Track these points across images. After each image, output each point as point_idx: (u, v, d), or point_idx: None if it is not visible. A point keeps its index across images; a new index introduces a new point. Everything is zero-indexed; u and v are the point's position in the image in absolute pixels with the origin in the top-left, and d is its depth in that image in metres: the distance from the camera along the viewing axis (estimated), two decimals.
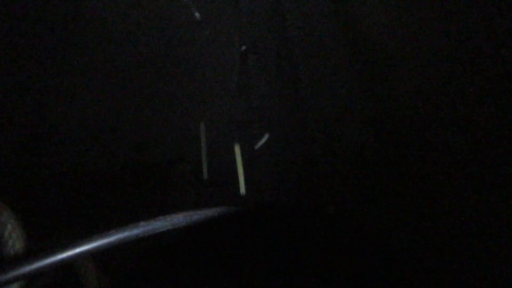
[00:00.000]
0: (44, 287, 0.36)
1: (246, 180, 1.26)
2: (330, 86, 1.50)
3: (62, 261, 0.30)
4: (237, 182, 1.25)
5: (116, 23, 1.58)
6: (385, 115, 1.41)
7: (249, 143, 1.34)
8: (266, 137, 1.16)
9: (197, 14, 1.18)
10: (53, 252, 0.30)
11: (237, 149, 1.06)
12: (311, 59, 1.57)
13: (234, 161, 1.30)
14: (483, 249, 1.09)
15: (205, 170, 1.09)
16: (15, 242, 0.32)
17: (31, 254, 0.30)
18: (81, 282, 0.40)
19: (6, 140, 1.26)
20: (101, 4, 1.62)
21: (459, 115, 1.35)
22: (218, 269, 0.27)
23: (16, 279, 0.29)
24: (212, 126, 1.36)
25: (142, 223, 0.32)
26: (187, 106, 1.40)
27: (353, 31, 1.65)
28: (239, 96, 1.45)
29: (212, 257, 0.28)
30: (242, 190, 1.08)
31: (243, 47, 1.39)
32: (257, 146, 1.09)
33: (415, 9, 1.68)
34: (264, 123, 1.39)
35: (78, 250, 0.30)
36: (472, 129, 1.32)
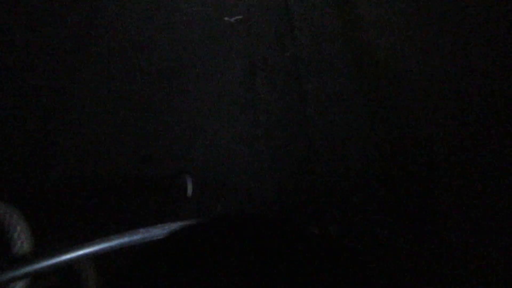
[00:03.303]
0: None
1: (250, 195, 1.28)
2: (337, 106, 1.51)
3: (66, 262, 0.33)
4: (240, 194, 1.27)
5: (128, 36, 1.62)
6: (391, 136, 1.42)
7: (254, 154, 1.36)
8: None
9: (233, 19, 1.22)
10: (58, 253, 0.32)
11: None
12: (319, 78, 1.59)
13: (239, 174, 1.32)
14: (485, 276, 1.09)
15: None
16: (23, 243, 0.35)
17: (37, 254, 0.33)
18: (82, 286, 0.42)
19: (16, 147, 1.29)
20: (115, 17, 1.66)
21: (467, 137, 1.36)
22: (213, 275, 0.29)
23: (24, 276, 0.32)
24: (218, 140, 1.39)
25: (141, 230, 0.35)
26: (193, 119, 1.43)
27: (362, 52, 1.67)
28: (246, 111, 1.48)
29: (206, 263, 0.30)
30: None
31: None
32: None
33: (423, 32, 1.71)
34: (269, 138, 1.41)
35: (81, 252, 0.33)
36: (482, 152, 1.32)
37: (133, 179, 1.28)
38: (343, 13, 1.82)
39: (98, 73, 1.51)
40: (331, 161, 1.38)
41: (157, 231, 0.34)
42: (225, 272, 0.28)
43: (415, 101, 1.51)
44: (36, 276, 0.33)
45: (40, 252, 0.34)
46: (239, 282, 0.28)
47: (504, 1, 1.74)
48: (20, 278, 0.32)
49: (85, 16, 1.66)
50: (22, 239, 0.35)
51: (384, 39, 1.72)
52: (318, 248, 0.30)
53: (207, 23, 1.70)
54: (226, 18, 1.25)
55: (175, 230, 0.34)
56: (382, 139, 1.43)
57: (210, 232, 0.32)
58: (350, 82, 1.60)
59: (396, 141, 1.43)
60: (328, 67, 1.66)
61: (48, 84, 1.46)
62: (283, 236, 0.31)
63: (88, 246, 0.34)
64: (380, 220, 1.24)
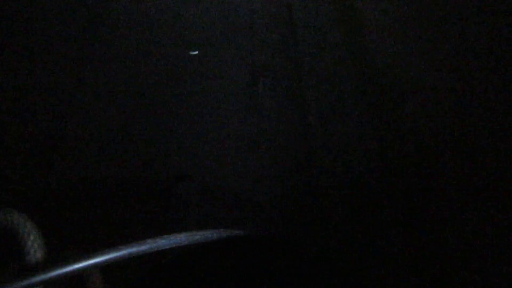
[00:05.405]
0: None
1: (251, 201, 1.29)
2: (338, 113, 1.53)
3: (78, 270, 0.34)
4: (241, 200, 1.28)
5: (132, 40, 1.64)
6: (393, 143, 1.42)
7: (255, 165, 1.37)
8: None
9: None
10: (70, 262, 0.34)
11: None
12: (321, 85, 1.60)
13: (240, 180, 1.33)
14: None
15: None
16: (36, 251, 0.37)
17: (50, 263, 0.35)
18: None
19: (19, 151, 1.31)
20: (119, 21, 1.68)
21: (469, 143, 1.37)
22: (213, 286, 0.31)
23: (37, 284, 0.33)
24: (219, 145, 1.40)
25: (148, 240, 0.36)
26: (195, 124, 1.45)
27: (364, 59, 1.68)
28: (248, 117, 1.49)
29: (208, 275, 0.31)
30: None
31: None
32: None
33: (426, 39, 1.72)
34: (271, 145, 1.42)
35: (92, 261, 0.35)
36: (485, 161, 1.33)
37: (135, 184, 1.29)
38: (346, 20, 1.84)
39: (102, 76, 1.53)
40: (332, 167, 1.39)
41: (164, 242, 0.36)
42: (227, 285, 0.30)
43: (417, 108, 1.52)
44: (48, 284, 0.34)
45: (53, 261, 0.36)
46: None
47: (506, 6, 1.75)
48: (33, 286, 0.33)
49: (89, 20, 1.68)
50: (35, 247, 0.36)
51: (387, 46, 1.73)
52: (316, 267, 0.32)
53: (211, 28, 1.72)
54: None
55: (180, 241, 0.36)
56: (383, 146, 1.44)
57: (215, 246, 0.33)
58: (352, 89, 1.62)
59: (398, 148, 1.44)
60: (330, 74, 1.67)
61: (52, 87, 1.47)
62: (283, 254, 0.33)
63: (99, 255, 0.35)
64: (382, 227, 1.25)
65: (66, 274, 0.34)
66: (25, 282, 0.32)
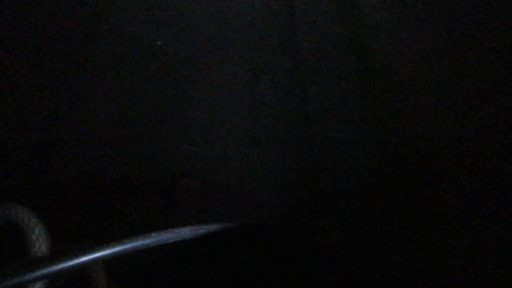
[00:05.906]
0: None
1: (252, 197, 1.29)
2: (339, 110, 1.53)
3: (83, 263, 0.34)
4: (242, 196, 1.28)
5: (134, 39, 1.64)
6: (393, 142, 1.43)
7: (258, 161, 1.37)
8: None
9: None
10: (75, 255, 0.34)
11: None
12: (322, 82, 1.60)
13: (241, 177, 1.33)
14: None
15: None
16: (41, 245, 0.37)
17: (55, 256, 0.35)
18: (92, 287, 0.44)
19: (21, 147, 1.31)
20: (121, 20, 1.68)
21: (470, 142, 1.37)
22: (218, 280, 0.31)
23: (43, 278, 0.34)
24: (221, 143, 1.40)
25: (153, 234, 0.36)
26: (197, 122, 1.45)
27: (365, 57, 1.68)
28: (249, 115, 1.49)
29: (212, 268, 0.32)
30: None
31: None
32: None
33: (427, 37, 1.72)
34: (272, 142, 1.42)
35: (97, 254, 0.35)
36: (485, 160, 1.33)
37: (137, 179, 1.29)
38: (347, 18, 1.83)
39: (104, 74, 1.53)
40: (333, 165, 1.39)
41: (169, 235, 0.36)
42: (232, 278, 0.30)
43: (418, 106, 1.52)
44: (53, 277, 0.34)
45: (57, 254, 0.36)
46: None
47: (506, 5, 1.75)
48: (39, 279, 0.34)
49: (91, 18, 1.68)
50: (40, 241, 0.37)
51: (388, 44, 1.73)
52: (321, 255, 0.32)
53: (212, 27, 1.72)
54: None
55: (185, 235, 0.36)
56: (384, 144, 1.44)
57: (220, 239, 0.33)
58: (353, 87, 1.62)
59: (399, 145, 1.44)
60: (331, 72, 1.67)
61: (54, 84, 1.48)
62: (287, 243, 0.33)
63: (103, 249, 0.35)
64: (382, 225, 1.25)
65: (71, 267, 0.34)
66: (30, 276, 0.33)
